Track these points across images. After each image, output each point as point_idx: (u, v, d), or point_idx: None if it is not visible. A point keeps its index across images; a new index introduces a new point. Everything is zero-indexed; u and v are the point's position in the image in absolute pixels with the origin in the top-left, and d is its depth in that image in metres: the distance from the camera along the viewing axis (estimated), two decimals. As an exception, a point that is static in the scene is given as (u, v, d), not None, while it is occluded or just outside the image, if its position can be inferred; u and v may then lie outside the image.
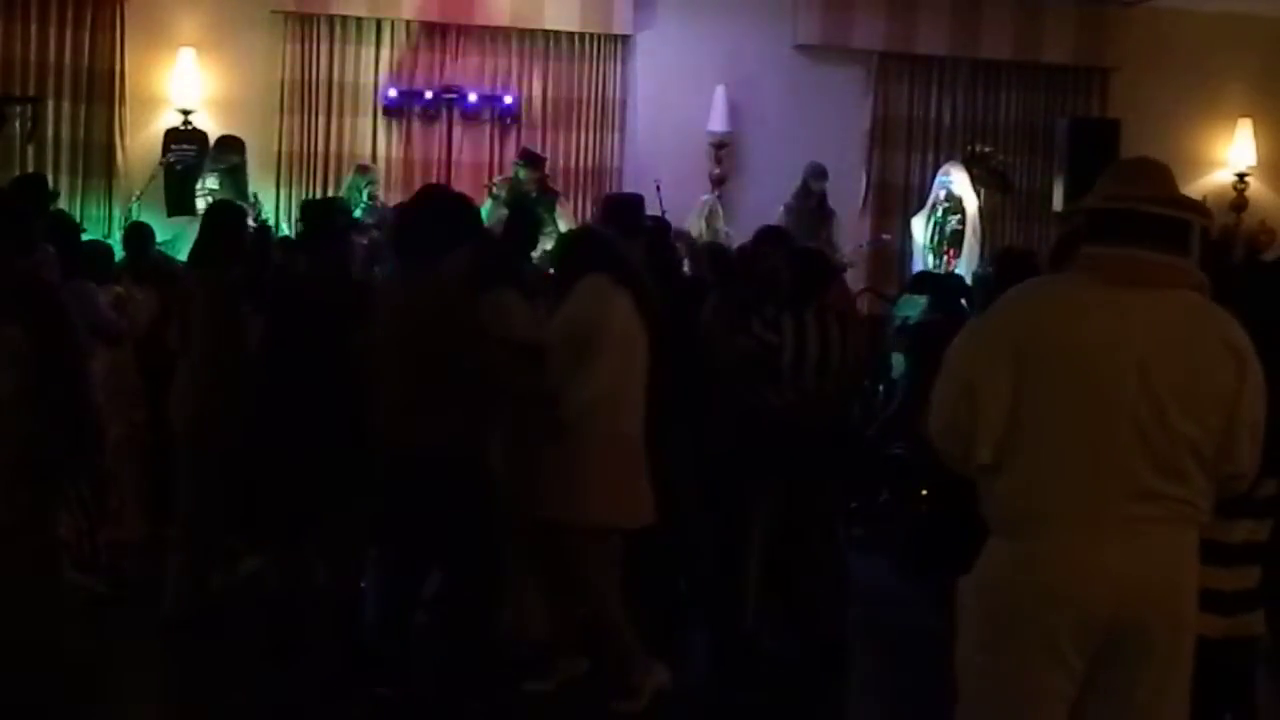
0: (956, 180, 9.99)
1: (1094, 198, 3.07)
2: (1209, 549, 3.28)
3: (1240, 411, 2.88)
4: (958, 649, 3.04)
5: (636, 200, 6.70)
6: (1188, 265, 2.92)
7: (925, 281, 8.31)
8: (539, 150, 10.05)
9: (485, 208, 8.96)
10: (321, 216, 5.93)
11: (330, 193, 10.14)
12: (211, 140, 10.04)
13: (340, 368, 5.07)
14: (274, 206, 10.03)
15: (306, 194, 10.32)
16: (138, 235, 7.66)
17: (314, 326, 5.29)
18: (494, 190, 9.52)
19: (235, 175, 9.51)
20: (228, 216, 6.21)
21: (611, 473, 4.86)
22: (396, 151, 10.62)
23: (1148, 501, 2.84)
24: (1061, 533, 2.85)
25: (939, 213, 10.04)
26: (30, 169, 9.73)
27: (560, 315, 4.92)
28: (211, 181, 9.37)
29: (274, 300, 5.68)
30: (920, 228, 10.22)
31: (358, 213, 8.93)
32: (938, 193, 10.18)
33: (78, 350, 4.68)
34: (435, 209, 4.99)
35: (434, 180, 10.27)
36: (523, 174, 9.44)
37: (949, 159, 10.81)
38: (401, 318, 4.77)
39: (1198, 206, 3.06)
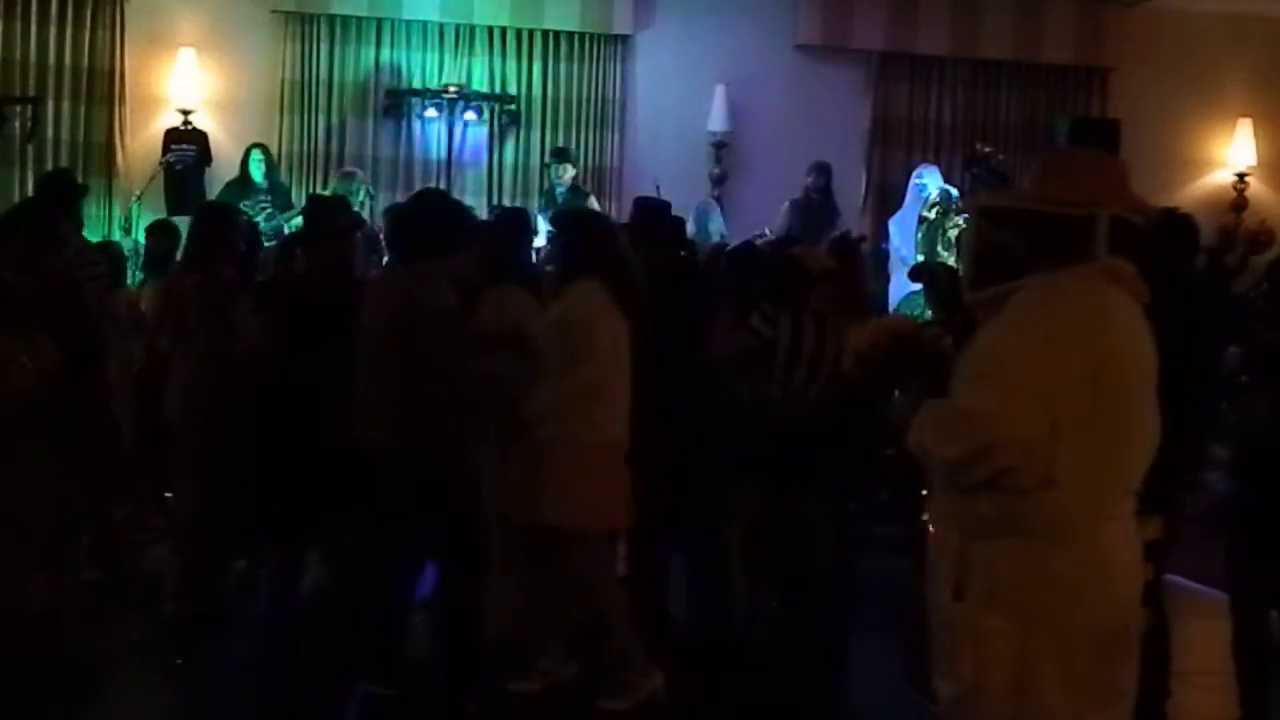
0: (931, 181, 9.92)
1: (1117, 204, 2.99)
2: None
3: None
4: (990, 690, 2.93)
5: (665, 207, 6.70)
6: None
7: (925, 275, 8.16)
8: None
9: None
10: (322, 215, 5.92)
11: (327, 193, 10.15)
12: (212, 141, 10.06)
13: (336, 367, 5.08)
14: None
15: (306, 194, 10.32)
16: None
17: (312, 326, 5.29)
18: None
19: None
20: (219, 216, 6.20)
21: (602, 477, 4.89)
22: (396, 151, 10.63)
23: (1134, 499, 3.02)
24: (1114, 535, 2.94)
25: (933, 214, 9.95)
26: (30, 169, 9.75)
27: (551, 318, 4.92)
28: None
29: (277, 300, 5.68)
30: (903, 232, 10.07)
31: None
32: (916, 196, 10.04)
33: (103, 352, 4.72)
34: (429, 212, 5.09)
35: (434, 180, 10.34)
36: (555, 171, 9.49)
37: (949, 159, 10.80)
38: (381, 317, 4.82)
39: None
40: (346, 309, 5.12)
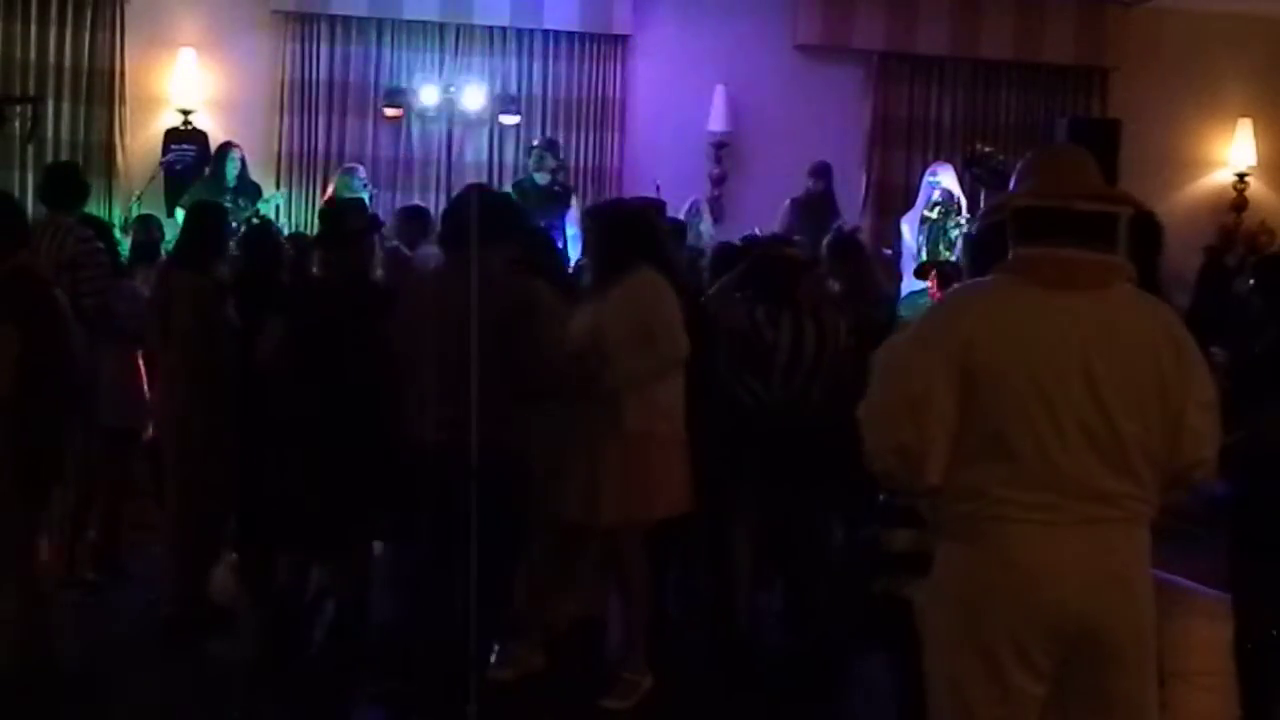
0: (944, 180, 9.92)
1: (1020, 194, 3.03)
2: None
3: (1189, 398, 2.93)
4: (924, 658, 3.04)
5: (660, 205, 6.73)
6: (1119, 261, 2.95)
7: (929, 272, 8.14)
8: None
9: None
10: (336, 218, 5.88)
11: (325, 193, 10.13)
12: (211, 141, 10.05)
13: (354, 369, 5.07)
14: (273, 207, 9.99)
15: (306, 194, 10.34)
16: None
17: (328, 328, 5.26)
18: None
19: None
20: (210, 217, 6.19)
21: (668, 466, 4.92)
22: (396, 151, 10.63)
23: (1103, 502, 2.87)
24: (1022, 536, 2.85)
25: (935, 214, 9.95)
26: (30, 169, 9.74)
27: (619, 309, 4.83)
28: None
29: (291, 303, 5.67)
30: (911, 231, 10.10)
31: None
32: (929, 194, 10.06)
33: (70, 344, 4.68)
34: (485, 205, 4.93)
35: (434, 180, 10.36)
36: (536, 159, 9.46)
37: (949, 159, 10.79)
38: (451, 314, 4.68)
39: (1125, 197, 3.06)
40: (365, 311, 5.11)
